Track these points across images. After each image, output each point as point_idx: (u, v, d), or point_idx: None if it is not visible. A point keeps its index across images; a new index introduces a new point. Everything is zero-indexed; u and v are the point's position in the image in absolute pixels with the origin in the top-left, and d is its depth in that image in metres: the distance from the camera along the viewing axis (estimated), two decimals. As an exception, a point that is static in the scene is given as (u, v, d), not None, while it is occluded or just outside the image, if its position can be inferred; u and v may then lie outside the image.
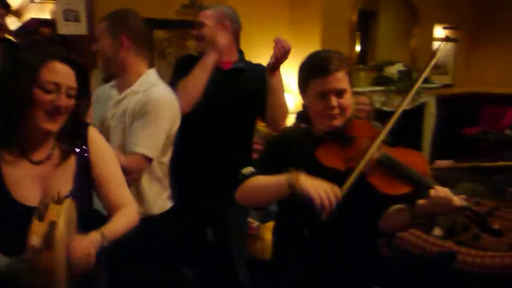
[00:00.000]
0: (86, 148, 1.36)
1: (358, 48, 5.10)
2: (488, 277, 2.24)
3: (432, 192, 1.22)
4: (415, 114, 5.15)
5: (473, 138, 5.78)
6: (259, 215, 2.90)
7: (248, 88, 2.14)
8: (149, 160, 1.67)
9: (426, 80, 5.03)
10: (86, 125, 1.39)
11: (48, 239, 1.06)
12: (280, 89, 2.07)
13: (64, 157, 1.32)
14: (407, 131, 5.53)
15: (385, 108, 4.60)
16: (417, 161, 1.36)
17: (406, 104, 1.45)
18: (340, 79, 1.38)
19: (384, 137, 1.40)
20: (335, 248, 1.41)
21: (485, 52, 6.63)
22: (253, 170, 1.43)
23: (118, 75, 1.77)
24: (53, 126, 1.25)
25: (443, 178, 3.79)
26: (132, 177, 1.62)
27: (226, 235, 2.28)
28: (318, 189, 1.21)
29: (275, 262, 1.59)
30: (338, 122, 1.40)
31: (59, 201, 1.14)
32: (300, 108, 3.44)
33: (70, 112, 1.28)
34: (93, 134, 1.39)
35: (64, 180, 1.31)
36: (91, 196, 1.42)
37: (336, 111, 1.39)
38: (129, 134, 1.66)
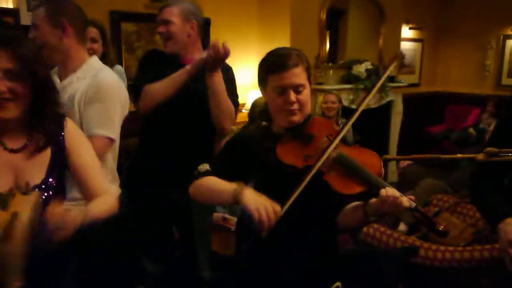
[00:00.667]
0: (62, 139, 1.34)
1: (328, 46, 5.19)
2: (448, 270, 2.31)
3: (383, 192, 1.26)
4: (382, 112, 5.27)
5: (437, 136, 5.95)
6: (238, 211, 2.90)
7: None
8: (111, 141, 1.68)
9: (393, 79, 5.15)
10: (62, 116, 1.37)
11: (8, 230, 1.04)
12: (220, 91, 2.04)
13: (40, 148, 1.30)
14: (375, 128, 5.69)
15: (353, 106, 4.67)
16: (372, 161, 1.39)
17: (364, 105, 1.46)
18: (298, 75, 1.40)
19: (342, 136, 1.42)
20: (293, 245, 1.43)
21: (450, 52, 6.84)
22: (209, 168, 1.45)
23: (60, 62, 1.72)
24: (4, 113, 1.22)
25: (408, 175, 3.92)
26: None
27: (190, 230, 2.28)
28: (259, 207, 1.22)
29: (237, 258, 1.60)
30: (297, 118, 1.42)
31: (26, 191, 1.12)
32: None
33: (22, 97, 1.23)
34: (69, 124, 1.38)
35: (37, 170, 1.29)
36: (64, 188, 1.40)
37: (295, 106, 1.40)
38: (86, 119, 1.64)
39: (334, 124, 1.52)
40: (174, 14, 2.09)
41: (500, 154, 1.20)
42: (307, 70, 1.45)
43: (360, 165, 1.35)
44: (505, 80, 6.23)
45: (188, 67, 2.01)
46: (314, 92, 4.42)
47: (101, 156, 1.62)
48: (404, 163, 4.05)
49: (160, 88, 2.03)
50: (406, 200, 1.26)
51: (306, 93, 1.42)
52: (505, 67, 6.23)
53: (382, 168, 1.36)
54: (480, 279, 2.26)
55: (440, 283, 2.45)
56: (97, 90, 1.64)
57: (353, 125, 4.12)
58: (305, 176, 1.31)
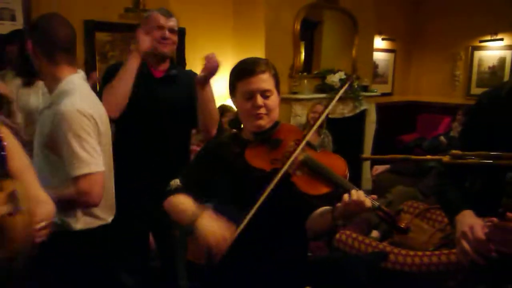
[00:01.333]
0: (3, 142, 1.30)
1: (303, 56, 5.28)
2: (417, 274, 2.37)
3: (346, 195, 1.30)
4: (357, 121, 5.37)
5: (410, 144, 6.08)
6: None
7: (181, 94, 2.20)
8: (95, 174, 1.57)
9: (366, 89, 5.26)
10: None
11: None
12: (212, 100, 2.17)
13: None
14: (349, 136, 5.77)
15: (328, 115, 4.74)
16: (338, 164, 1.43)
17: (326, 113, 1.53)
18: (265, 80, 1.45)
19: (310, 144, 1.47)
20: (263, 252, 1.45)
21: (421, 63, 7.03)
22: (179, 184, 1.51)
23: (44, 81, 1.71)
24: None
25: (381, 182, 4.01)
26: (91, 198, 1.57)
27: (168, 240, 2.28)
28: (210, 236, 1.29)
29: (208, 267, 1.61)
30: (264, 122, 1.46)
31: None
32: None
33: None
34: (5, 129, 1.34)
35: None
36: None
37: (262, 110, 1.44)
38: (64, 159, 1.56)
39: (301, 130, 1.56)
40: (177, 25, 2.21)
41: (464, 157, 1.25)
42: (275, 77, 1.50)
43: (326, 166, 1.39)
44: (474, 90, 6.42)
45: (136, 51, 2.04)
46: (288, 101, 4.49)
47: (92, 193, 1.56)
48: (377, 171, 4.14)
49: (116, 83, 2.03)
50: (369, 201, 1.30)
51: (273, 99, 1.47)
52: (474, 77, 6.43)
53: (347, 170, 1.41)
54: (448, 282, 2.33)
55: (410, 287, 2.51)
56: (57, 124, 1.54)
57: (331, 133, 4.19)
58: (273, 178, 1.34)
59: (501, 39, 6.02)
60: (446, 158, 1.29)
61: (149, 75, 2.12)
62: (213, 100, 2.17)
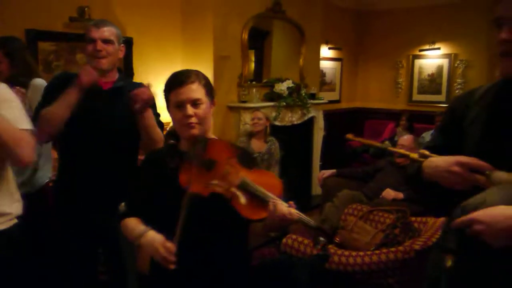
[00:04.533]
0: None
1: (253, 65, 5.36)
2: (360, 273, 2.48)
3: (271, 207, 1.38)
4: (305, 128, 5.51)
5: (358, 150, 6.30)
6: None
7: (127, 107, 2.10)
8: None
9: (314, 97, 5.42)
10: None
11: None
12: (151, 125, 2.10)
13: None
14: (298, 143, 5.88)
15: (277, 123, 4.85)
16: (273, 183, 1.48)
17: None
18: (195, 90, 1.50)
19: (242, 160, 1.50)
20: (203, 260, 1.49)
21: (367, 71, 7.33)
22: (125, 209, 1.61)
23: None
24: None
25: (328, 187, 4.13)
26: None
27: (118, 251, 2.27)
28: (151, 251, 1.41)
29: (151, 277, 1.64)
30: (196, 131, 1.50)
31: None
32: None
33: None
34: None
35: None
36: None
37: (193, 120, 1.49)
38: None
39: (229, 145, 1.58)
40: (113, 34, 2.09)
41: (431, 157, 1.27)
42: (205, 86, 1.55)
43: (263, 189, 1.43)
44: (416, 96, 6.76)
45: (77, 85, 1.97)
46: (237, 110, 4.55)
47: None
48: (324, 175, 4.26)
49: (51, 115, 1.98)
50: (295, 213, 1.37)
51: (203, 108, 1.51)
52: (415, 84, 6.76)
53: (282, 189, 1.46)
54: (387, 279, 2.45)
55: (354, 286, 2.62)
56: None
57: (279, 140, 4.28)
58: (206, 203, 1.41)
59: (438, 48, 6.39)
60: (414, 155, 1.34)
61: (95, 87, 2.05)
62: (153, 125, 2.11)
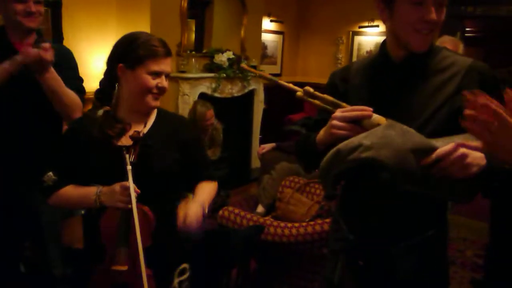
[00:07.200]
0: None
1: (194, 35, 5.20)
2: (295, 244, 2.52)
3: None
4: (245, 100, 5.47)
5: (298, 123, 6.38)
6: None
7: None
8: None
9: (255, 69, 5.37)
10: None
11: None
12: (57, 88, 1.94)
13: None
14: (239, 115, 5.84)
15: (216, 94, 4.78)
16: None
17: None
18: (169, 64, 1.49)
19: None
20: None
21: (308, 45, 7.36)
22: (53, 177, 1.48)
23: None
24: None
25: (266, 160, 4.15)
26: None
27: (39, 226, 2.16)
28: (116, 200, 1.36)
29: (86, 251, 1.58)
30: (158, 103, 1.49)
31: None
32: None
33: None
34: None
35: None
36: None
37: (161, 92, 1.47)
38: None
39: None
40: None
41: (314, 95, 1.27)
42: None
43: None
44: (354, 72, 6.91)
45: (6, 65, 1.85)
46: (176, 80, 4.41)
47: None
48: (264, 149, 4.27)
49: None
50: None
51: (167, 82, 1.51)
52: (354, 60, 6.89)
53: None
54: (322, 249, 2.51)
55: (290, 256, 2.67)
56: None
57: (218, 115, 4.22)
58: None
59: (377, 26, 6.52)
60: (300, 93, 1.32)
61: (11, 50, 1.90)
62: (59, 89, 1.95)
